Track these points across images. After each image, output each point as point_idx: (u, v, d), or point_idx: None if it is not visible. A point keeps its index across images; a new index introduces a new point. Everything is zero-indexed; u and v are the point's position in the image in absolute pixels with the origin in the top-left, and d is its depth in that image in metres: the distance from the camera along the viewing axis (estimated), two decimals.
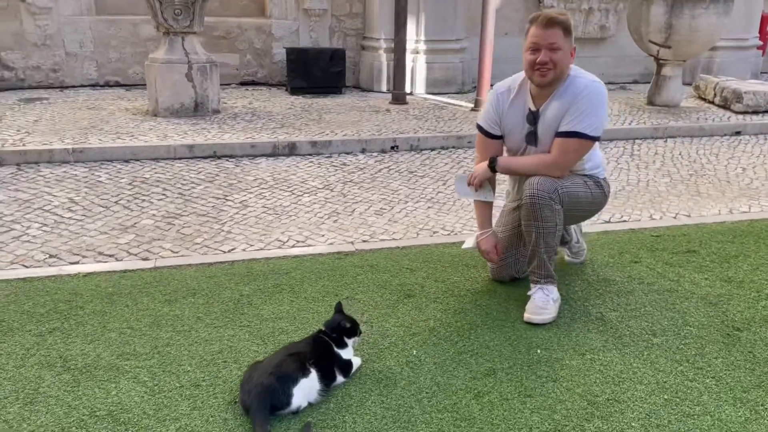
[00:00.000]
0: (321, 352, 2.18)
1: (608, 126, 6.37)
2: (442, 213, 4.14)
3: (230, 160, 5.22)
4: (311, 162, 5.25)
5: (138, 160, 5.10)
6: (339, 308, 2.33)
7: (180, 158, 5.18)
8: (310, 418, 2.00)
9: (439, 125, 6.27)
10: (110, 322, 2.57)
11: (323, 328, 2.26)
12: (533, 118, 2.69)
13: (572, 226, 3.17)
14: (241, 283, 2.94)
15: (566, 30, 2.57)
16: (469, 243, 2.94)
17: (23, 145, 5.08)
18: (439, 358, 2.35)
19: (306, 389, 2.05)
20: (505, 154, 2.85)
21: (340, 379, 2.19)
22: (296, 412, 2.02)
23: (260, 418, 1.94)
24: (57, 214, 3.92)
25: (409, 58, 7.82)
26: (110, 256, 3.37)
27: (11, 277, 2.99)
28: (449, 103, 7.53)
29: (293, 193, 4.44)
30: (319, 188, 4.58)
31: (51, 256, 3.33)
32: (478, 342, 2.47)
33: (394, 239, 3.67)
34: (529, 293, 2.75)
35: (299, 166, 5.11)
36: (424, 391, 2.15)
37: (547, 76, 2.56)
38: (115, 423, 1.96)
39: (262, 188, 4.54)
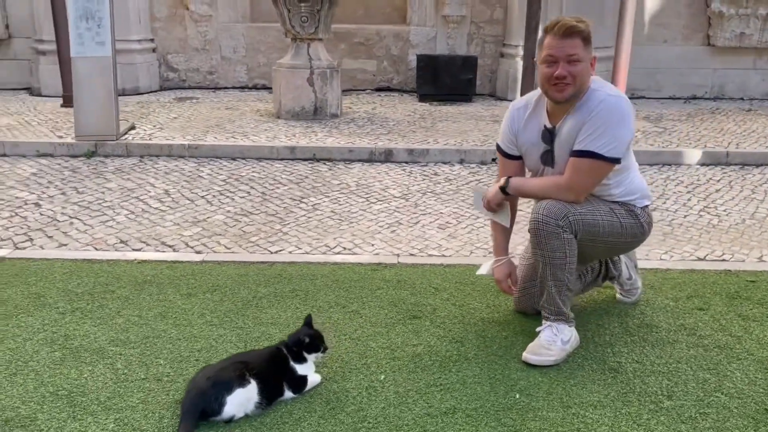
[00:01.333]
0: (275, 364, 2.14)
1: (753, 149, 5.58)
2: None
3: (327, 163, 5.34)
4: (403, 170, 5.20)
5: (244, 159, 5.41)
6: (308, 321, 2.27)
7: (281, 159, 5.41)
8: (239, 430, 1.98)
9: None
10: (125, 309, 2.74)
11: (286, 340, 2.23)
12: (549, 136, 2.42)
13: (622, 259, 2.81)
14: (261, 285, 2.99)
15: (586, 39, 2.28)
16: (484, 269, 2.71)
17: (149, 139, 5.63)
18: (403, 388, 2.19)
19: (242, 399, 2.01)
20: (527, 174, 2.60)
21: (288, 394, 2.13)
22: (229, 422, 2.00)
23: (187, 420, 1.95)
24: (147, 204, 4.28)
25: None
26: (170, 246, 3.60)
27: (78, 257, 3.32)
28: None
29: (367, 200, 4.43)
30: (395, 197, 4.52)
31: (121, 242, 3.65)
32: (457, 376, 2.27)
33: (443, 256, 3.51)
34: (537, 329, 2.47)
35: (389, 174, 5.09)
36: (368, 421, 2.02)
37: (565, 92, 2.29)
38: (68, 404, 2.08)
39: (341, 193, 4.58)
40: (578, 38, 2.26)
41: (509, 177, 2.49)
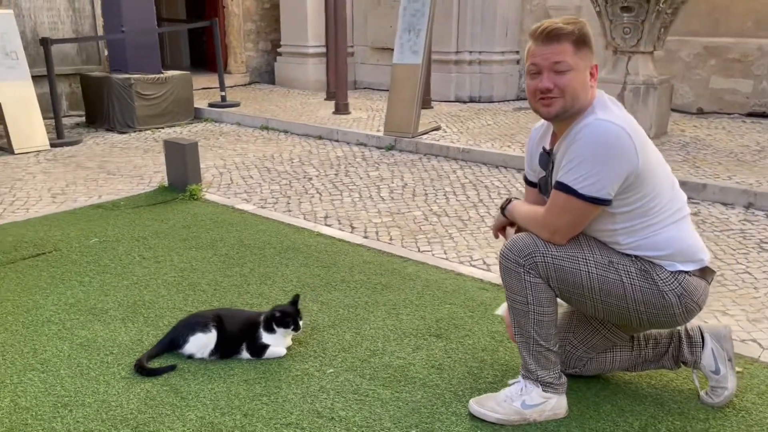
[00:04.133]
0: (245, 326, 2.41)
1: None
2: None
3: None
4: None
5: (506, 168, 5.45)
6: (294, 300, 2.46)
7: None
8: (184, 366, 2.33)
9: None
10: (264, 262, 3.33)
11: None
12: (546, 160, 2.01)
13: (708, 341, 2.10)
14: (333, 270, 3.19)
15: (578, 42, 1.84)
16: (501, 310, 2.37)
17: (437, 140, 6.14)
18: (307, 390, 2.20)
19: (200, 343, 2.37)
20: None
21: (246, 355, 2.38)
22: (189, 357, 2.38)
23: (158, 344, 2.42)
24: (379, 191, 4.81)
25: None
26: (353, 227, 4.06)
27: (284, 220, 4.05)
28: None
29: None
30: None
31: (327, 216, 4.27)
32: (382, 400, 2.14)
33: None
34: (510, 382, 2.10)
35: None
36: (247, 404, 2.14)
37: (552, 107, 1.89)
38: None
39: None
40: (566, 41, 1.84)
41: (511, 198, 2.16)
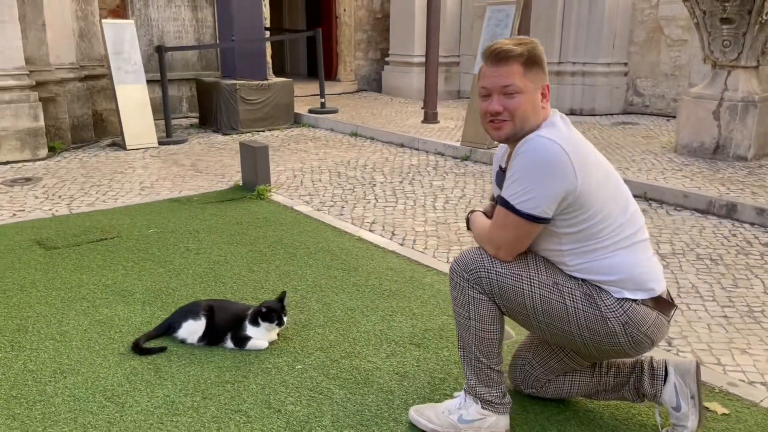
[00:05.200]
0: (233, 318, 2.58)
1: None
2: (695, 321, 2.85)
3: (652, 204, 4.69)
4: (738, 231, 4.12)
5: None
6: (281, 297, 2.60)
7: None
8: (174, 349, 2.54)
9: None
10: (292, 260, 3.52)
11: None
12: (501, 177, 1.98)
13: (671, 376, 1.98)
14: (351, 273, 3.27)
15: (527, 63, 1.83)
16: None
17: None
18: (269, 382, 2.31)
19: (190, 329, 2.57)
20: None
21: (229, 344, 2.55)
22: (182, 342, 2.59)
23: (158, 327, 2.65)
24: (436, 201, 4.84)
25: None
26: (393, 234, 4.13)
27: (332, 223, 4.22)
28: None
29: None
30: (679, 254, 3.76)
31: (373, 223, 4.38)
32: (326, 402, 2.21)
33: None
34: (455, 394, 2.09)
35: (716, 232, 4.13)
36: (214, 390, 2.29)
37: (502, 130, 1.89)
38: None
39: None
40: (515, 64, 1.82)
41: (474, 210, 2.14)
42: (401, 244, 3.91)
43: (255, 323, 2.55)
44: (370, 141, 7.22)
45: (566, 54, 8.54)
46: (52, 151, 6.55)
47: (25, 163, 6.13)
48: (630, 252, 1.83)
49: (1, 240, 3.85)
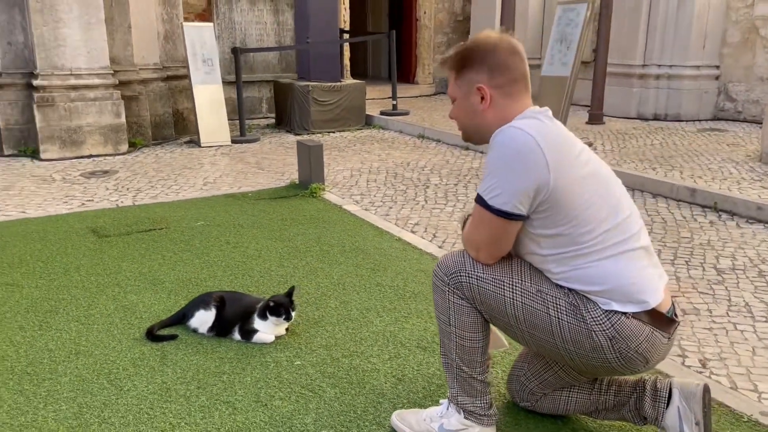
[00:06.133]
0: (243, 310, 2.60)
1: None
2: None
3: (722, 216, 4.33)
4: None
5: (642, 191, 4.95)
6: (290, 292, 2.59)
7: (677, 199, 4.69)
8: (185, 338, 2.59)
9: None
10: (343, 259, 3.53)
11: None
12: None
13: (675, 398, 1.81)
14: (378, 273, 3.21)
15: (458, 68, 1.80)
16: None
17: None
18: (264, 376, 2.29)
19: (201, 319, 2.62)
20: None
21: (236, 336, 2.57)
22: (194, 331, 2.64)
23: (173, 315, 2.72)
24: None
25: None
26: (434, 236, 4.05)
27: (375, 223, 4.20)
28: None
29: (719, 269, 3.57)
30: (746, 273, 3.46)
31: (416, 224, 4.31)
32: (317, 398, 2.17)
33: None
34: (440, 401, 2.00)
35: None
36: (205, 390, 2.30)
37: (463, 137, 1.90)
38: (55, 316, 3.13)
39: (697, 257, 3.81)
40: (450, 72, 1.82)
41: (469, 216, 2.04)
42: (440, 247, 3.83)
43: (263, 317, 2.56)
44: (435, 143, 7.14)
45: (651, 56, 8.09)
46: (133, 146, 6.93)
47: (106, 157, 6.51)
48: (618, 261, 1.67)
49: (62, 227, 4.10)
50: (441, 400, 2.01)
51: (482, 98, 1.76)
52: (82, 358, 2.45)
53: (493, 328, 2.07)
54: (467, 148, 6.72)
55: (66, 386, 2.26)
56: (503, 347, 2.15)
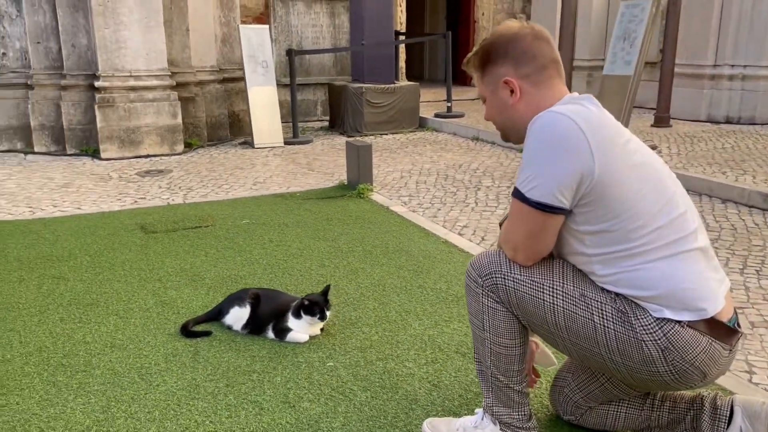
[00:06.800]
0: (277, 308, 2.53)
1: None
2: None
3: None
4: None
5: (710, 197, 4.65)
6: (325, 291, 2.51)
7: (752, 206, 4.38)
8: (219, 335, 2.54)
9: None
10: (382, 259, 3.45)
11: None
12: None
13: (737, 421, 1.62)
14: (421, 276, 3.09)
15: (481, 65, 1.70)
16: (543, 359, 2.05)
17: None
18: (295, 377, 2.20)
19: (235, 316, 2.56)
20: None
21: (270, 335, 2.50)
22: (229, 328, 2.58)
23: (209, 311, 2.67)
24: None
25: None
26: (483, 239, 3.90)
27: (422, 224, 4.08)
28: None
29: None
30: None
31: (464, 226, 4.17)
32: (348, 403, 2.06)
33: None
34: (476, 410, 1.86)
35: None
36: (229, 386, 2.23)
37: (501, 136, 1.78)
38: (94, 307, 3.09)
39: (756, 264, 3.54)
40: (474, 72, 1.72)
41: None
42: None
43: (297, 316, 2.48)
44: (490, 145, 6.96)
45: (723, 56, 7.67)
46: (189, 147, 7.03)
47: (162, 157, 6.63)
48: (672, 263, 1.50)
49: (112, 223, 4.16)
50: (476, 410, 1.88)
51: (512, 91, 1.64)
52: (116, 352, 2.43)
53: (540, 344, 1.94)
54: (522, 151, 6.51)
55: (98, 379, 2.24)
56: (552, 365, 1.99)
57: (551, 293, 1.60)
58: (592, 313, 1.56)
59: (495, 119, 1.72)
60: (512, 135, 1.71)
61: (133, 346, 2.47)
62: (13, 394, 2.15)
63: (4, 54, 6.83)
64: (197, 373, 2.26)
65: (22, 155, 6.76)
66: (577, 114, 1.50)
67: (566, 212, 1.53)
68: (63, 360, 2.37)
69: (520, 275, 1.64)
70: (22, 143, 6.96)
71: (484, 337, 1.71)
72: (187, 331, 2.56)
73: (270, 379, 2.22)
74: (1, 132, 6.92)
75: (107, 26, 6.35)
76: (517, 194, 1.57)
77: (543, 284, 1.62)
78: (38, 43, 6.70)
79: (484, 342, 1.72)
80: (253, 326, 2.54)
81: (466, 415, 1.92)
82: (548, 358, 1.96)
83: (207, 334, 2.55)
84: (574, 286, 1.59)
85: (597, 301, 1.56)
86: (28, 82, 6.82)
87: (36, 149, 6.84)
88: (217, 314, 2.65)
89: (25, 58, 6.84)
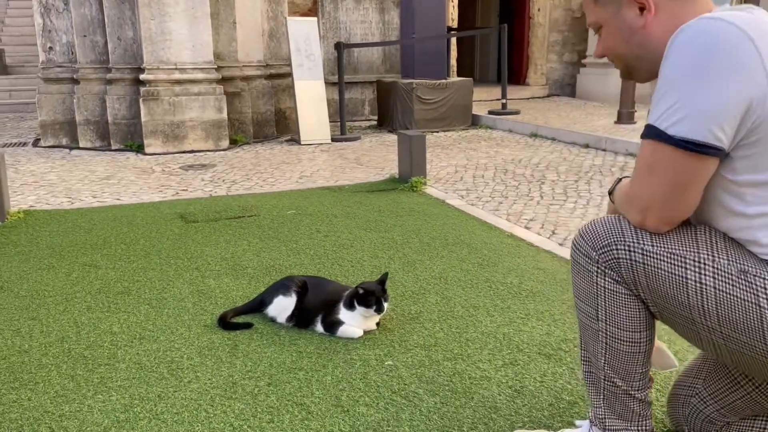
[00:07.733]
0: (326, 298, 2.20)
1: None
2: None
3: None
4: None
5: None
6: (382, 279, 2.16)
7: None
8: (260, 327, 2.22)
9: None
10: (445, 252, 3.10)
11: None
12: None
13: None
14: (487, 269, 2.71)
15: None
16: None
17: None
18: (348, 377, 1.84)
19: (280, 306, 2.24)
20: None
21: (319, 328, 2.16)
22: (272, 320, 2.26)
23: (250, 302, 2.36)
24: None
25: None
26: (554, 233, 3.50)
27: (482, 217, 3.71)
28: None
29: None
30: None
31: (531, 220, 3.77)
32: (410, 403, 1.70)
33: None
34: (576, 422, 1.47)
35: None
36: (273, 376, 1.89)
37: (623, 74, 1.37)
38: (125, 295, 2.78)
39: None
40: None
41: (621, 178, 1.49)
42: (560, 245, 3.27)
43: (350, 307, 2.14)
44: (550, 141, 6.53)
45: None
46: (234, 143, 6.82)
47: (207, 153, 6.42)
48: None
49: (151, 212, 3.91)
50: (577, 421, 1.50)
51: (641, 8, 1.24)
52: (145, 344, 2.13)
53: (657, 341, 1.53)
54: (587, 146, 6.07)
55: (122, 374, 1.94)
56: (671, 367, 1.59)
57: (698, 269, 1.20)
58: (758, 296, 1.15)
59: (617, 50, 1.31)
60: (641, 69, 1.30)
61: (164, 338, 2.17)
62: (26, 388, 1.87)
63: (51, 48, 6.75)
64: (235, 370, 1.94)
65: (67, 150, 6.65)
66: (740, 19, 1.11)
67: (722, 155, 1.14)
68: (85, 352, 2.09)
69: (652, 246, 1.23)
70: (68, 139, 6.86)
71: (598, 329, 1.33)
72: (225, 323, 2.24)
73: (319, 378, 1.88)
74: (47, 127, 6.84)
75: (153, 17, 6.19)
76: (653, 132, 1.16)
77: (685, 258, 1.21)
78: (84, 36, 6.59)
79: (597, 336, 1.33)
80: (300, 318, 2.21)
81: (562, 428, 1.54)
82: (667, 359, 1.57)
83: (247, 326, 2.23)
84: (729, 260, 1.19)
85: (763, 278, 1.16)
86: (74, 77, 6.72)
87: (81, 144, 6.72)
88: (259, 305, 2.33)
89: (72, 52, 6.75)
